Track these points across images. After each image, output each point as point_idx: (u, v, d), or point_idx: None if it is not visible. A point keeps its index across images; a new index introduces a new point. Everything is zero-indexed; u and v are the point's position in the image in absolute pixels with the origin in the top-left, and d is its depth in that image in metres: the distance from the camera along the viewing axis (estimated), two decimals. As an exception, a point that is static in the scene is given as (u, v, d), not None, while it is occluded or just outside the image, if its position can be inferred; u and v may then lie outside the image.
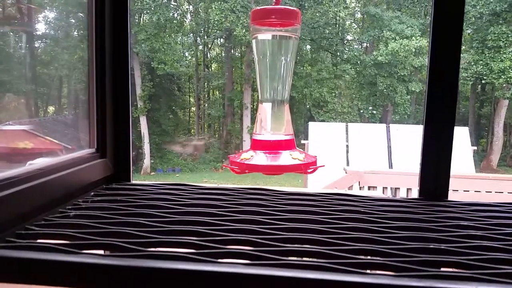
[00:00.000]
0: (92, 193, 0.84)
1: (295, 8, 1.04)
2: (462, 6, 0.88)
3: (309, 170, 1.05)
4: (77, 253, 0.54)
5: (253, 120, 21.75)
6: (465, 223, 0.70)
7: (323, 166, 1.09)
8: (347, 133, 12.38)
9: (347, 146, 12.05)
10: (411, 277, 0.48)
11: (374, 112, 20.17)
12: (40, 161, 0.74)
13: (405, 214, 0.74)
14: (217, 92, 25.05)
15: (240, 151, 1.12)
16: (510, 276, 0.51)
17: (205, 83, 24.39)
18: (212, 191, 0.87)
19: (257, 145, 1.09)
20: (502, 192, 5.94)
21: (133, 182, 0.95)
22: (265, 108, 1.09)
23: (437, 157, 0.84)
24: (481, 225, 0.70)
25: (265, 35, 1.05)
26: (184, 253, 0.54)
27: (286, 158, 1.05)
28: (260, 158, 1.06)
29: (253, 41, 1.07)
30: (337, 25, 21.55)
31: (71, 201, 0.77)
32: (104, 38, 0.86)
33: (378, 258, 0.55)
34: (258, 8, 1.02)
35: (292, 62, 1.10)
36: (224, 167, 0.98)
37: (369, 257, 0.55)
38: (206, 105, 24.83)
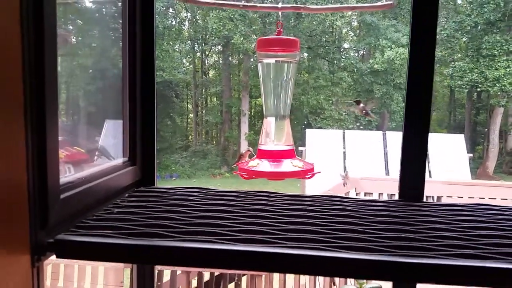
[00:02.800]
0: (126, 195, 1.00)
1: (294, 38, 1.21)
2: (434, 25, 1.03)
3: (307, 176, 1.21)
4: (128, 238, 0.71)
5: (250, 126, 21.90)
6: (433, 218, 0.86)
7: (320, 172, 1.25)
8: (344, 140, 12.56)
9: (344, 153, 12.23)
10: (383, 255, 0.65)
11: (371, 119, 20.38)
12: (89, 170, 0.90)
13: (385, 211, 0.90)
14: (215, 99, 25.18)
15: (248, 159, 1.29)
16: (462, 255, 0.68)
17: (203, 90, 24.53)
18: (225, 193, 1.04)
19: (262, 154, 1.26)
20: (495, 198, 6.11)
21: (158, 186, 1.11)
22: (269, 122, 1.26)
23: (414, 164, 1.00)
24: (446, 220, 0.86)
25: (269, 60, 1.22)
26: (210, 238, 0.71)
27: (288, 165, 1.22)
28: (265, 165, 1.23)
29: (259, 65, 1.24)
30: (334, 33, 21.79)
31: (111, 201, 0.93)
32: (136, 63, 1.03)
33: (359, 243, 0.71)
34: (264, 38, 1.20)
35: (292, 82, 1.27)
36: (234, 173, 1.14)
37: (353, 242, 0.71)
38: (204, 111, 24.97)
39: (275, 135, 1.27)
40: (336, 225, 0.80)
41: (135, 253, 0.68)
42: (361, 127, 20.14)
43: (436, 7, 1.02)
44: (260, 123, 23.79)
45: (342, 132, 13.06)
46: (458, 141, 13.14)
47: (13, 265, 0.63)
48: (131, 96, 1.03)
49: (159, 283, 4.53)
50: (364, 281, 1.00)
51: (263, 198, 1.02)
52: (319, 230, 0.77)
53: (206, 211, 0.87)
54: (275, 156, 1.24)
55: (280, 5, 1.23)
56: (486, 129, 21.27)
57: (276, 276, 4.86)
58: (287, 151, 1.26)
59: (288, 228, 0.78)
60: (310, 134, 12.65)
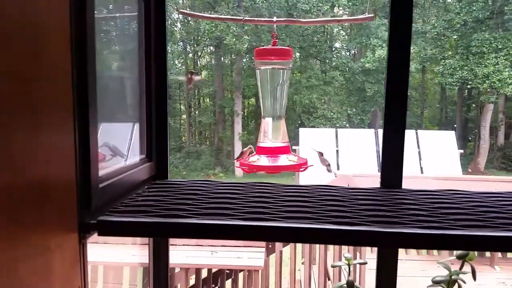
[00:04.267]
0: (146, 187, 1.15)
1: (288, 48, 1.37)
2: (409, 32, 1.19)
3: (301, 169, 1.38)
4: (155, 217, 0.87)
5: (244, 126, 22.03)
6: (408, 201, 1.02)
7: (312, 165, 1.41)
8: (336, 138, 12.73)
9: (337, 151, 12.40)
10: (364, 227, 0.81)
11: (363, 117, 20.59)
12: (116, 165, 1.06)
13: (368, 197, 1.06)
14: (208, 100, 25.26)
15: (249, 155, 1.45)
16: (428, 227, 0.84)
17: (196, 91, 24.63)
18: (231, 184, 1.19)
19: (261, 151, 1.42)
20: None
21: (170, 179, 1.26)
22: (267, 122, 1.42)
23: (393, 156, 1.16)
24: (419, 202, 1.02)
25: (266, 67, 1.38)
26: (223, 218, 0.87)
27: (284, 160, 1.38)
28: (264, 160, 1.39)
29: (257, 71, 1.40)
30: (325, 33, 21.97)
31: (133, 192, 1.08)
32: (151, 70, 1.19)
33: (346, 219, 0.87)
34: (261, 48, 1.36)
35: (286, 86, 1.43)
36: (236, 167, 1.28)
37: (340, 219, 0.87)
38: (197, 112, 25.08)
39: (272, 133, 1.43)
40: (326, 206, 0.96)
41: (162, 228, 0.83)
42: (353, 126, 20.34)
43: (411, 13, 1.17)
44: (253, 123, 23.98)
45: (334, 131, 13.22)
46: (449, 137, 13.33)
47: (66, 241, 0.78)
48: (147, 101, 1.19)
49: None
50: (351, 257, 1.15)
51: (263, 187, 1.18)
52: (312, 210, 0.92)
53: (216, 198, 1.03)
54: (273, 152, 1.40)
55: (275, 18, 1.39)
56: (476, 128, 21.53)
57: (272, 271, 5.01)
58: (283, 148, 1.42)
59: (286, 209, 0.93)
60: (304, 133, 12.80)
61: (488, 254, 5.55)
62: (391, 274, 1.10)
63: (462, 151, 15.03)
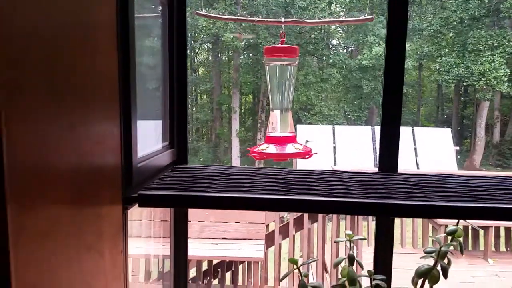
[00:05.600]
0: (170, 170, 1.30)
1: (295, 46, 1.51)
2: (404, 34, 1.34)
3: (306, 156, 1.52)
4: (184, 192, 1.01)
5: (241, 123, 22.14)
6: (402, 182, 1.17)
7: (316, 153, 1.56)
8: (334, 135, 12.87)
9: (334, 147, 12.55)
10: (363, 199, 0.96)
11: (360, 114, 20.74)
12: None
13: (367, 178, 1.21)
14: (205, 96, 25.33)
15: (258, 144, 1.59)
16: (417, 200, 0.98)
17: (193, 87, 24.72)
18: (244, 168, 1.34)
19: (269, 140, 1.56)
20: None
21: (190, 164, 1.41)
22: (275, 114, 1.57)
23: (389, 143, 1.31)
24: (412, 183, 1.16)
25: (275, 64, 1.52)
26: (243, 193, 1.01)
27: (291, 148, 1.52)
28: (272, 149, 1.53)
29: (267, 67, 1.54)
30: (323, 30, 22.07)
31: (160, 174, 1.22)
32: (173, 68, 1.33)
33: (347, 195, 1.01)
34: (270, 46, 1.50)
35: (293, 81, 1.57)
36: (247, 155, 1.43)
37: (342, 194, 1.01)
38: (194, 109, 25.18)
39: (280, 124, 1.57)
40: (329, 185, 1.10)
41: (192, 200, 0.98)
42: (350, 123, 20.49)
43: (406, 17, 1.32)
44: (251, 119, 24.10)
45: (332, 128, 13.36)
46: (445, 134, 13.49)
47: (113, 211, 0.92)
48: (170, 96, 1.34)
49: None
50: (352, 233, 1.29)
51: (274, 171, 1.32)
52: (317, 188, 1.07)
53: (233, 179, 1.18)
54: (280, 141, 1.54)
55: (283, 19, 1.54)
56: (472, 125, 21.70)
57: (271, 263, 5.15)
58: (289, 137, 1.56)
59: (294, 187, 1.08)
60: (301, 130, 12.93)
61: (481, 247, 5.72)
62: (387, 245, 1.24)
63: (457, 148, 15.21)
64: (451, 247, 1.22)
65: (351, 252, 1.25)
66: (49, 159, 0.68)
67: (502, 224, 5.75)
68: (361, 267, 1.32)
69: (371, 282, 1.12)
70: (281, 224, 5.08)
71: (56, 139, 0.69)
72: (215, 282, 5.13)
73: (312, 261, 1.74)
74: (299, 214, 4.96)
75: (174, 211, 1.42)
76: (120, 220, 0.95)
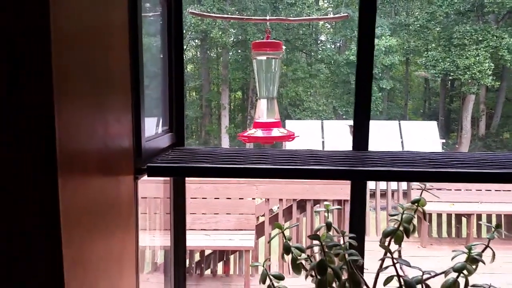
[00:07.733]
0: (170, 151, 1.48)
1: (279, 41, 1.71)
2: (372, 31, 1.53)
3: (290, 139, 1.72)
4: (188, 163, 1.20)
5: (231, 120, 22.26)
6: (372, 157, 1.37)
7: (299, 136, 1.76)
8: (322, 130, 13.08)
9: (322, 142, 12.76)
10: (339, 167, 1.16)
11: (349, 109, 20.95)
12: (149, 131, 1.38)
13: (341, 154, 1.41)
14: (194, 93, 25.35)
15: (248, 129, 1.78)
16: (379, 167, 1.18)
17: (182, 85, 24.66)
18: (236, 149, 1.53)
19: (257, 125, 1.76)
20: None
21: (187, 147, 1.59)
22: (262, 102, 1.76)
23: (361, 125, 1.50)
24: (380, 157, 1.36)
25: (261, 57, 1.72)
26: (236, 164, 1.20)
27: (276, 132, 1.72)
28: (259, 133, 1.73)
29: (254, 60, 1.74)
30: (311, 26, 22.21)
31: (162, 153, 1.41)
32: (172, 63, 1.52)
33: (324, 165, 1.21)
34: (258, 41, 1.69)
35: (278, 72, 1.77)
36: (237, 139, 1.61)
37: (320, 164, 1.21)
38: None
39: (266, 111, 1.77)
40: (310, 159, 1.30)
41: (194, 170, 1.18)
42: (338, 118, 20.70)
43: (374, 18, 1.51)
44: (240, 116, 24.21)
45: (320, 123, 13.55)
46: (431, 127, 13.74)
47: (126, 180, 1.11)
48: (169, 86, 1.52)
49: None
50: (329, 204, 1.47)
51: (261, 151, 1.52)
52: (300, 160, 1.27)
53: (227, 156, 1.37)
54: (267, 126, 1.74)
55: (268, 17, 1.74)
56: (458, 118, 21.98)
57: (262, 252, 5.33)
58: (275, 123, 1.76)
59: (280, 161, 1.27)
60: (290, 125, 13.11)
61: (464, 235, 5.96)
62: (361, 209, 1.45)
63: (444, 140, 15.48)
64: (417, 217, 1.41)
65: (328, 220, 1.44)
66: (87, 139, 0.87)
67: (484, 211, 6.02)
68: (338, 232, 1.51)
69: (343, 240, 1.31)
70: (271, 215, 5.28)
71: (91, 122, 0.89)
72: (208, 272, 5.29)
73: (295, 226, 1.93)
74: (288, 205, 5.15)
75: (174, 202, 1.61)
76: (132, 188, 1.13)
